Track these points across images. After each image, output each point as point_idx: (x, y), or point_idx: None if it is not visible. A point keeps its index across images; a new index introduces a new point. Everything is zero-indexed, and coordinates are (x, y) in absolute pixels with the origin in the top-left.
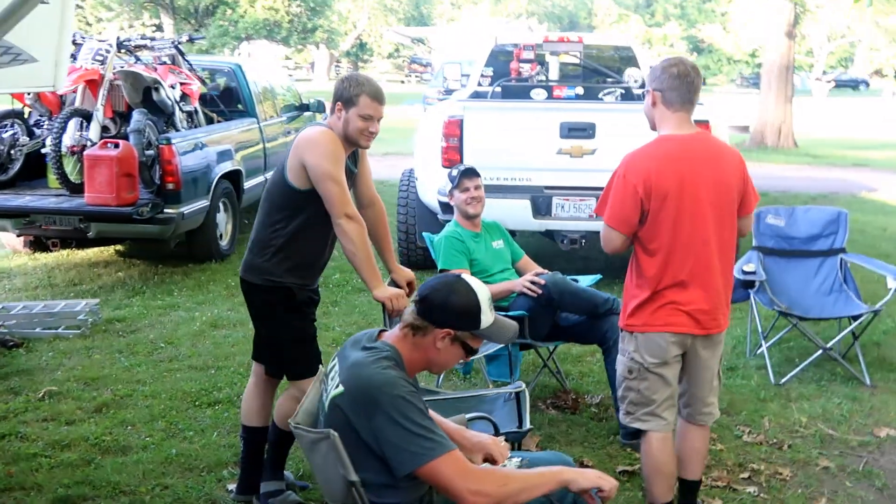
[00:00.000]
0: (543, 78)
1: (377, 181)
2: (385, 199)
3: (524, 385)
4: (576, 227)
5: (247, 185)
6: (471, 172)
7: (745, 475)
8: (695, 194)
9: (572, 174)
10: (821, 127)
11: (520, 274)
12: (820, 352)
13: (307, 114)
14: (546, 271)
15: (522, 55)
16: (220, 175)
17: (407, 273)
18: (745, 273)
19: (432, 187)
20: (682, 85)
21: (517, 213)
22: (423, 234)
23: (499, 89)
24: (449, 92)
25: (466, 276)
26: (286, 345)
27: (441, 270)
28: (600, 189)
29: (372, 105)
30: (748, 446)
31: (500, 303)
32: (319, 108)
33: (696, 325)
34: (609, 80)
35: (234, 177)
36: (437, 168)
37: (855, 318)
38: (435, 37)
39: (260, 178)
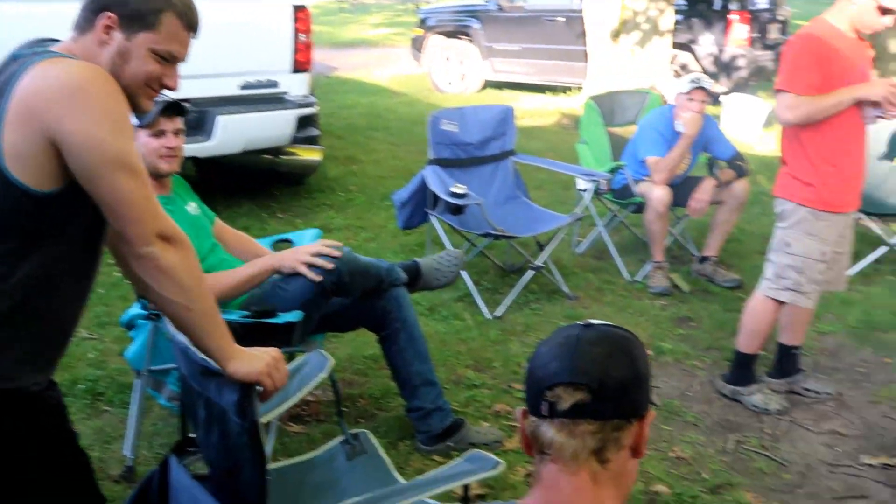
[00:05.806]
0: None
1: None
2: None
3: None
4: None
5: None
6: (174, 108)
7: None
8: None
9: None
10: None
11: (223, 245)
12: (531, 272)
13: None
14: (338, 243)
15: None
16: None
17: None
18: (455, 196)
19: None
20: None
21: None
22: None
23: None
24: None
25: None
26: None
27: None
28: None
29: (182, 35)
30: None
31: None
32: None
33: None
34: None
35: None
36: None
37: None
38: None
39: None
